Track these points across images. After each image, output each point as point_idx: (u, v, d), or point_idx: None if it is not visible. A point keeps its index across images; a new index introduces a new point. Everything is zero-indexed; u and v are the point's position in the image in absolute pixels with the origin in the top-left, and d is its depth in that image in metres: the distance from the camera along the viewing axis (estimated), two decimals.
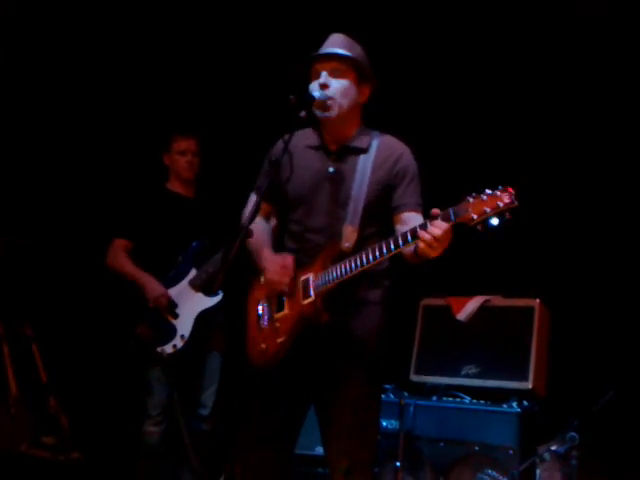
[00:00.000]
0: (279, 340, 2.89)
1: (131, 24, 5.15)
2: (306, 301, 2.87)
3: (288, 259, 2.93)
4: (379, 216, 2.97)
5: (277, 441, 2.94)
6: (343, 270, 2.80)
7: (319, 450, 4.08)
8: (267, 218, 3.15)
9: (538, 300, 4.41)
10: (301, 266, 2.94)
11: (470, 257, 4.65)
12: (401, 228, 2.87)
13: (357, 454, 2.85)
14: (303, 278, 2.91)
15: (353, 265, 2.78)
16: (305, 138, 3.08)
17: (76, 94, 5.30)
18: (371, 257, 2.75)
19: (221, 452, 4.50)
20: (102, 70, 5.28)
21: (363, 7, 4.78)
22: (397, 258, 2.86)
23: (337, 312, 2.86)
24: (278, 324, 2.93)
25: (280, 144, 2.97)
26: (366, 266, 2.76)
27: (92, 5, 5.02)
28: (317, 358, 2.91)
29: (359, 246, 2.85)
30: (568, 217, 4.76)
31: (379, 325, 2.96)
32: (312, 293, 2.86)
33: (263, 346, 2.93)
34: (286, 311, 2.93)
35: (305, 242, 3.00)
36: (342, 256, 2.85)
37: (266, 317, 2.98)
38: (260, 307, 3.01)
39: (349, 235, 2.89)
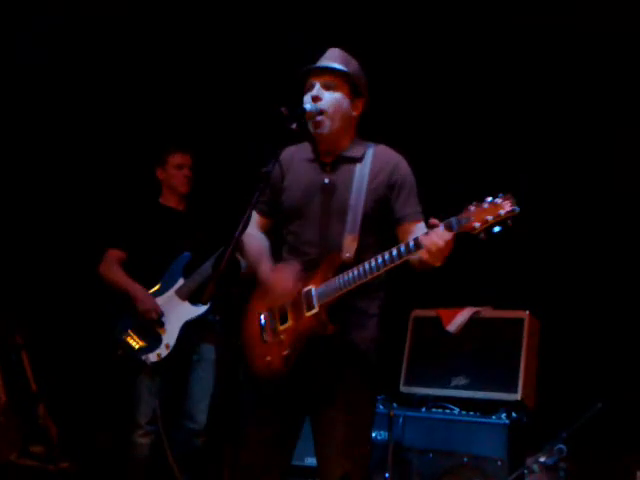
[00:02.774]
0: (284, 353, 2.87)
1: (124, 39, 5.15)
2: (310, 313, 2.85)
3: (293, 269, 2.93)
4: (377, 226, 2.96)
5: (274, 455, 2.93)
6: (346, 280, 2.80)
7: (309, 461, 4.11)
8: (267, 233, 3.15)
9: (527, 312, 4.43)
10: (300, 278, 2.92)
11: (460, 269, 4.67)
12: (406, 239, 2.86)
13: (350, 464, 2.84)
14: (305, 290, 2.89)
15: (356, 275, 2.78)
16: (301, 151, 3.09)
17: (72, 107, 5.31)
18: (374, 266, 2.75)
19: (213, 467, 4.49)
20: (99, 84, 5.29)
21: (357, 19, 4.80)
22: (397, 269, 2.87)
23: (338, 324, 2.85)
24: (283, 336, 2.89)
25: (275, 159, 2.96)
26: (369, 276, 2.76)
27: (89, 17, 5.03)
28: (318, 369, 2.90)
29: (359, 256, 2.84)
30: (557, 229, 4.79)
31: (376, 337, 2.96)
32: (316, 304, 2.85)
33: (268, 359, 2.90)
34: (290, 323, 2.90)
35: (301, 254, 2.98)
36: (343, 266, 2.84)
37: (269, 329, 2.94)
38: (262, 319, 2.97)
39: (349, 245, 2.88)
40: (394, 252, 2.72)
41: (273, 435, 2.92)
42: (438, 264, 2.66)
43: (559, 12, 4.51)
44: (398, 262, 2.73)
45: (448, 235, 2.59)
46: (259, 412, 2.98)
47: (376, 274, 2.76)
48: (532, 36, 4.64)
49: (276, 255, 3.10)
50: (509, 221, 2.53)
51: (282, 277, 2.93)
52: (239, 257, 3.18)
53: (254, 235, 3.11)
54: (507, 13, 4.64)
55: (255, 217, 3.12)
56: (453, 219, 2.60)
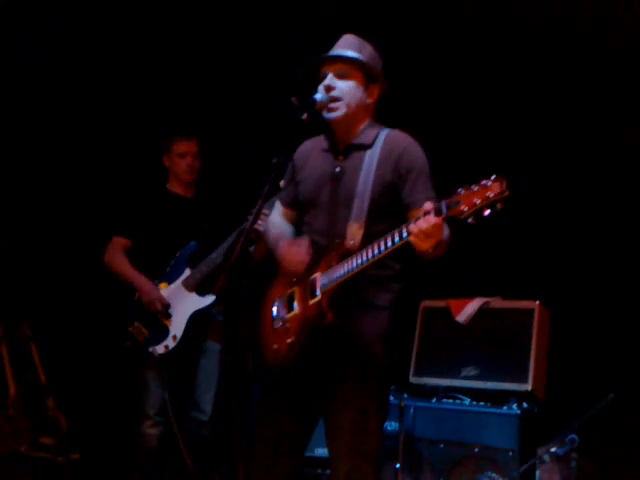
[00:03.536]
0: (288, 341, 2.86)
1: (130, 26, 5.14)
2: (312, 301, 2.84)
3: (304, 242, 2.92)
4: (387, 212, 2.90)
5: (285, 448, 2.91)
6: (347, 268, 2.76)
7: (320, 452, 4.12)
8: (292, 224, 3.16)
9: (538, 302, 4.41)
10: (309, 267, 2.91)
11: (470, 259, 4.66)
12: None
13: (357, 457, 2.81)
14: (311, 278, 2.88)
15: (355, 263, 2.74)
16: (318, 143, 3.09)
17: (78, 95, 5.30)
18: (370, 254, 2.70)
19: (220, 457, 4.49)
20: (103, 71, 5.29)
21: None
22: (407, 259, 2.84)
23: (344, 314, 2.83)
24: (289, 324, 2.90)
25: (286, 149, 2.93)
26: (368, 263, 2.71)
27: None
28: (322, 360, 2.89)
29: (366, 244, 2.77)
30: (568, 219, 4.77)
31: (386, 329, 2.91)
32: (318, 293, 2.83)
33: (275, 346, 2.91)
34: (296, 311, 2.90)
35: (312, 243, 2.96)
36: (348, 254, 2.80)
37: (279, 317, 2.95)
38: (275, 307, 2.98)
39: (354, 233, 2.83)
40: (388, 240, 2.67)
41: (282, 425, 2.91)
42: (427, 249, 2.58)
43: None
44: (391, 250, 2.67)
45: (434, 219, 2.52)
46: (267, 400, 2.98)
47: (372, 261, 2.71)
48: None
49: None
50: (498, 204, 2.43)
51: (295, 250, 2.92)
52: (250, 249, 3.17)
53: (276, 222, 3.14)
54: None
55: (279, 208, 3.16)
56: (442, 203, 2.53)
